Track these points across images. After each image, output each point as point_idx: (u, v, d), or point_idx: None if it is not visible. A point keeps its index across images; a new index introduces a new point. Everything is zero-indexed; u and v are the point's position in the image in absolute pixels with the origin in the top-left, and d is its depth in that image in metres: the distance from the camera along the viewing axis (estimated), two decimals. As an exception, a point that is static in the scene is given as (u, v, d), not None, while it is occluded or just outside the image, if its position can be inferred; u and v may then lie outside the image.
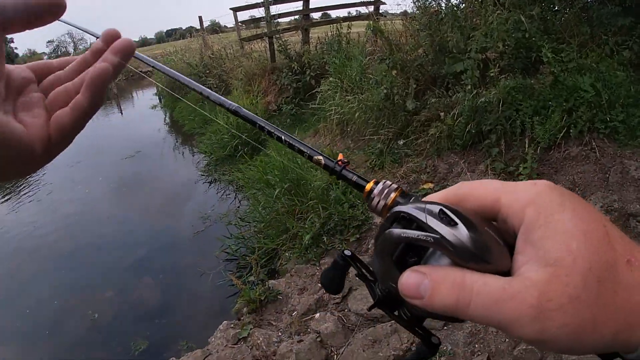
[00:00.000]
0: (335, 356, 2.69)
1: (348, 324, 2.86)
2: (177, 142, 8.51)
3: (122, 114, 12.67)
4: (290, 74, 6.94)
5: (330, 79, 5.73)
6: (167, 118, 10.38)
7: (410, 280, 0.32)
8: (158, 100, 12.01)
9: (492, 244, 0.31)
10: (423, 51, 4.54)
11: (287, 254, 3.63)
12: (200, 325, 3.45)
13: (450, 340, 2.50)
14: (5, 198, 8.10)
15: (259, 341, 2.85)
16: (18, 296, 4.91)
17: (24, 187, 8.39)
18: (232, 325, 3.06)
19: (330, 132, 5.36)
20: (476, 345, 2.44)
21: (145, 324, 3.90)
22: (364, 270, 0.43)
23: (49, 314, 4.39)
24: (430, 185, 3.75)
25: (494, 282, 0.29)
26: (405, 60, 4.41)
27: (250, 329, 2.96)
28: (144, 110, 11.93)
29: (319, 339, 2.78)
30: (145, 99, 13.30)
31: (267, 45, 7.63)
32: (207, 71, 8.84)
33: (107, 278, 4.75)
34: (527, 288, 0.28)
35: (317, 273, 3.31)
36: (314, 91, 6.24)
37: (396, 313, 0.39)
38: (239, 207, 5.28)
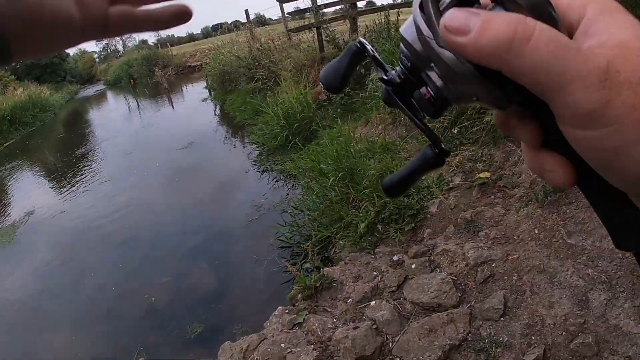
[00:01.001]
0: (390, 344, 2.67)
1: (404, 313, 2.83)
2: (228, 133, 8.67)
3: (173, 107, 13.03)
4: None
5: (380, 67, 5.67)
6: (217, 110, 10.58)
7: (458, 14, 0.26)
8: (208, 94, 12.27)
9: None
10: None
11: (341, 242, 3.63)
12: (255, 310, 3.51)
13: (507, 332, 2.44)
14: (64, 186, 8.53)
15: (314, 327, 2.87)
16: (78, 280, 5.16)
17: (81, 175, 8.81)
18: (287, 311, 3.09)
19: (383, 120, 5.31)
20: (532, 338, 2.36)
21: (201, 308, 4.01)
22: (377, 56, 0.37)
23: (107, 298, 4.60)
24: (487, 174, 3.64)
25: (558, 32, 0.25)
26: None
27: (306, 314, 2.98)
28: (194, 103, 12.20)
29: (374, 326, 2.77)
30: (195, 92, 13.61)
31: (315, 36, 7.63)
32: (256, 63, 8.93)
33: (164, 264, 4.91)
34: (596, 53, 0.24)
35: (372, 261, 3.29)
36: (364, 80, 6.19)
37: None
38: (287, 194, 5.34)
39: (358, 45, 0.38)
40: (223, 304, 4.02)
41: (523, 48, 0.24)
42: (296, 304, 3.19)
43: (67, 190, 8.48)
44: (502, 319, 2.53)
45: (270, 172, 6.04)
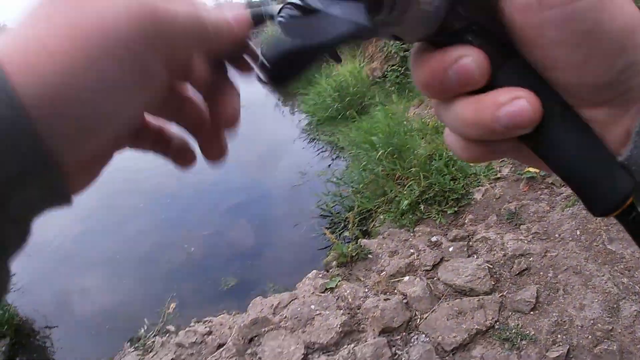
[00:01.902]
0: (418, 319, 2.72)
1: (435, 292, 2.86)
2: (279, 100, 8.75)
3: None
4: (398, 42, 6.82)
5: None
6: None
7: None
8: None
9: None
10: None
11: (381, 217, 3.66)
12: (289, 271, 3.61)
13: (535, 326, 2.44)
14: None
15: (345, 293, 2.94)
16: (120, 226, 5.42)
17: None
18: (321, 275, 3.18)
19: (437, 103, 5.25)
20: (559, 336, 2.36)
21: (237, 263, 4.16)
22: None
23: (147, 244, 4.82)
24: (536, 169, 3.57)
25: None
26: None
27: (339, 281, 3.06)
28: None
29: (405, 301, 2.82)
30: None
31: None
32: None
33: (205, 218, 5.08)
34: None
35: (410, 239, 3.32)
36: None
37: None
38: (330, 165, 5.40)
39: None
40: (258, 261, 4.14)
41: None
42: (330, 270, 3.27)
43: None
44: (531, 312, 2.53)
45: (318, 142, 6.09)
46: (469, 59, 0.25)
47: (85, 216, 6.10)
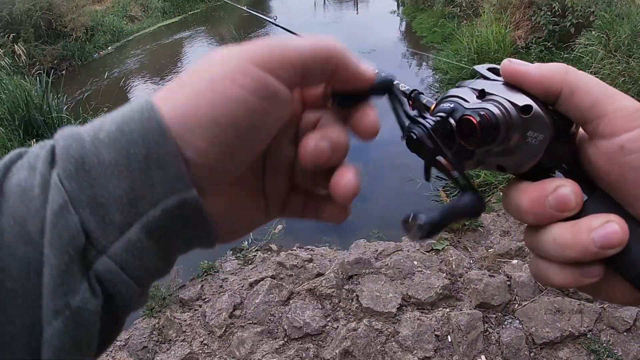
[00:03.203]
0: (516, 305, 2.68)
1: (539, 284, 2.78)
2: (410, 52, 8.51)
3: (357, 11, 12.98)
4: (549, 13, 6.25)
5: (594, 32, 5.05)
6: (403, 26, 10.35)
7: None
8: (396, 6, 11.98)
9: None
10: None
11: (500, 194, 3.55)
12: (395, 222, 3.64)
13: (624, 347, 2.35)
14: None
15: (450, 259, 2.95)
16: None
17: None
18: (428, 235, 3.20)
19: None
20: (643, 365, 2.26)
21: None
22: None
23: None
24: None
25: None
26: None
27: (446, 245, 3.06)
28: (380, 12, 12.00)
29: (508, 283, 2.77)
30: (382, 2, 13.30)
31: None
32: (459, -12, 8.44)
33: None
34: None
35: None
36: (570, 41, 5.60)
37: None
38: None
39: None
40: (367, 206, 4.21)
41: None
42: (438, 232, 3.28)
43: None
44: (625, 332, 2.43)
45: (445, 102, 5.89)
46: (567, 188, 0.30)
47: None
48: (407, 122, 0.35)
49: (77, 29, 10.47)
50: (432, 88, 6.33)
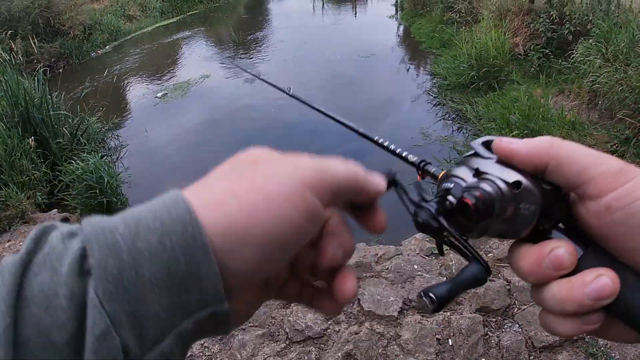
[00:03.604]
0: (516, 309, 2.70)
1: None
2: (409, 56, 8.54)
3: (356, 15, 12.99)
4: (547, 21, 6.32)
5: (591, 41, 5.11)
6: (401, 31, 10.36)
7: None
8: (395, 11, 12.01)
9: None
10: None
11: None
12: (395, 227, 3.52)
13: (622, 352, 2.38)
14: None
15: (450, 263, 2.97)
16: (231, 141, 5.69)
17: (256, 55, 9.40)
18: (428, 239, 3.20)
19: (578, 97, 4.87)
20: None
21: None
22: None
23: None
24: None
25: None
26: None
27: (446, 249, 3.07)
28: (378, 18, 11.99)
29: (508, 287, 2.79)
30: (382, 6, 13.29)
31: None
32: (459, -7, 8.50)
33: (323, 154, 5.24)
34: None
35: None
36: (568, 48, 5.66)
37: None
38: (452, 134, 5.26)
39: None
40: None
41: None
42: (437, 237, 3.29)
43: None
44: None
45: (443, 107, 5.94)
46: (561, 250, 0.32)
47: (201, 128, 6.55)
48: (412, 208, 0.39)
49: (75, 28, 10.43)
50: (430, 93, 6.37)
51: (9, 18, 9.11)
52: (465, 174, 0.36)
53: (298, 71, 8.40)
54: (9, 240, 4.23)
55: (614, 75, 4.36)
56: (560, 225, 0.35)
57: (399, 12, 11.79)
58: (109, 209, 4.52)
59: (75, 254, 0.25)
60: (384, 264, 3.02)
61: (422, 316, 2.71)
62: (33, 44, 8.79)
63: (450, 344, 2.53)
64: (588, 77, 4.72)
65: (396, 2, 12.40)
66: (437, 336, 2.57)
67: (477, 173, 0.35)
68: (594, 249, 0.33)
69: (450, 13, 8.34)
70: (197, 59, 10.16)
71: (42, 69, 5.90)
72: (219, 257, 0.27)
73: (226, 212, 0.28)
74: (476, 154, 0.37)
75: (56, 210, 4.87)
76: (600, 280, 0.31)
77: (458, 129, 5.33)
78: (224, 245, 0.28)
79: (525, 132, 3.70)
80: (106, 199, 4.45)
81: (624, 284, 0.31)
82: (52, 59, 9.75)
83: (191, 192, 0.30)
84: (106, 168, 4.72)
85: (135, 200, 5.05)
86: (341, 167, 0.33)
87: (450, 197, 0.36)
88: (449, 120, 5.59)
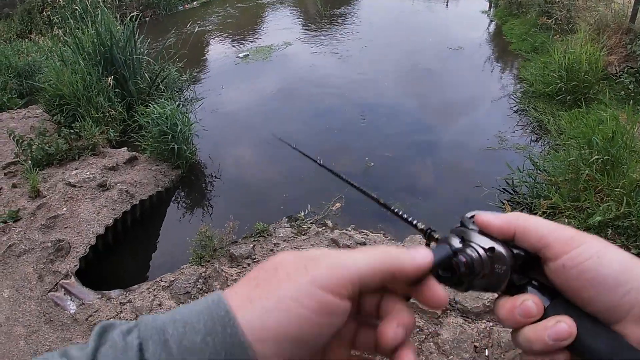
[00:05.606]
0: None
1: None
2: (494, 55, 8.22)
3: (447, 5, 12.59)
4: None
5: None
6: (492, 28, 9.94)
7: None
8: (488, 7, 11.53)
9: None
10: None
11: (566, 220, 3.42)
12: (454, 225, 3.58)
13: None
14: (321, 35, 9.13)
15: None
16: (313, 120, 5.71)
17: (338, 32, 9.33)
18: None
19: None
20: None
21: (407, 193, 4.34)
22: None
23: (335, 144, 5.18)
24: None
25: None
26: None
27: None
28: (470, 11, 11.52)
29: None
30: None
31: (633, 2, 6.48)
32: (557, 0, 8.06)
33: (391, 142, 5.25)
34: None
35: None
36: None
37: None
38: (530, 143, 5.05)
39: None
40: (428, 202, 4.24)
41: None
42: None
43: (321, 41, 9.14)
44: None
45: (524, 114, 5.69)
46: (529, 302, 0.40)
47: (271, 97, 6.63)
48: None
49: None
50: (512, 98, 6.13)
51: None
52: (454, 242, 0.43)
53: (378, 56, 8.30)
54: (76, 169, 4.51)
55: None
56: (534, 282, 0.42)
57: (492, 9, 11.32)
58: (179, 156, 4.69)
59: (135, 349, 0.33)
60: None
61: (465, 320, 2.68)
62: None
63: (487, 354, 2.50)
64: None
65: (491, -3, 11.90)
66: (475, 343, 2.54)
67: (463, 240, 0.43)
68: (560, 300, 0.40)
69: (545, 18, 7.93)
70: (281, 26, 10.24)
71: (131, 15, 6.12)
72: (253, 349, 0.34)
73: (248, 316, 0.35)
74: (463, 225, 0.44)
75: (126, 148, 5.12)
76: (559, 326, 0.37)
77: (536, 140, 5.10)
78: (248, 344, 0.34)
79: (605, 157, 3.49)
80: (177, 146, 4.61)
81: (583, 328, 0.38)
82: (141, 7, 10.11)
83: (228, 294, 0.37)
84: (181, 116, 4.87)
85: (203, 153, 5.23)
86: (362, 259, 0.38)
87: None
88: (528, 128, 5.36)
